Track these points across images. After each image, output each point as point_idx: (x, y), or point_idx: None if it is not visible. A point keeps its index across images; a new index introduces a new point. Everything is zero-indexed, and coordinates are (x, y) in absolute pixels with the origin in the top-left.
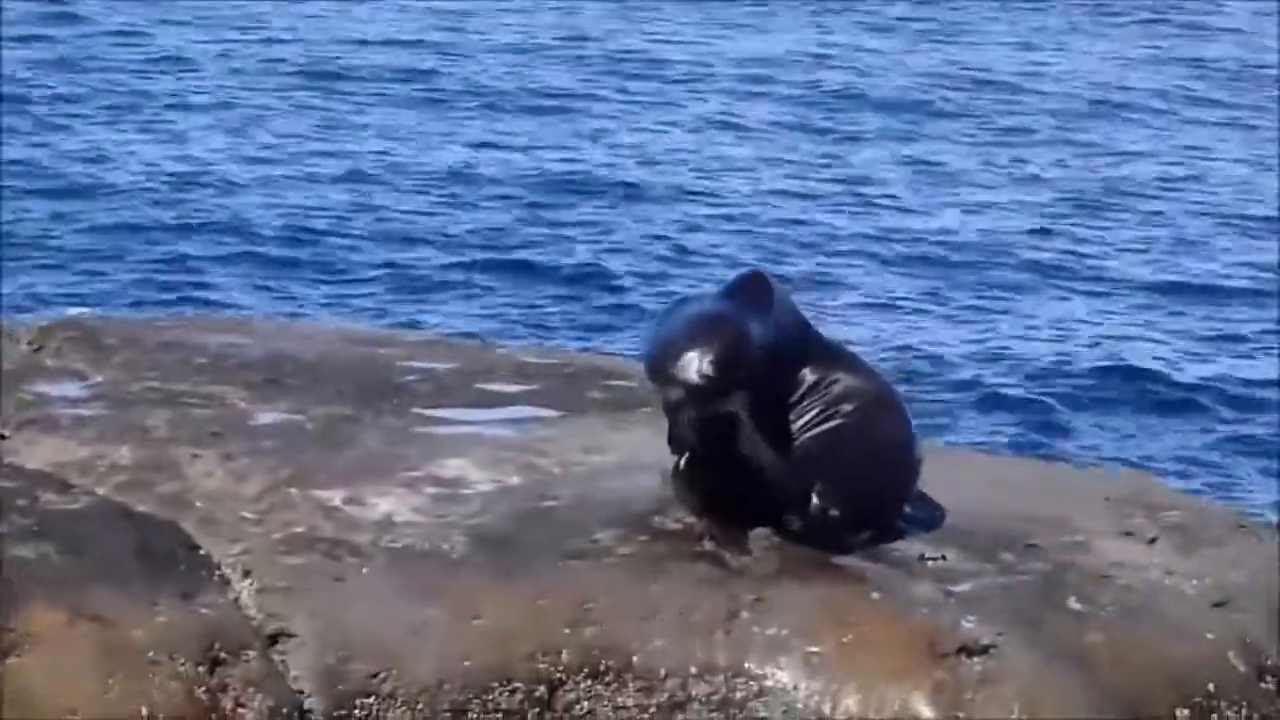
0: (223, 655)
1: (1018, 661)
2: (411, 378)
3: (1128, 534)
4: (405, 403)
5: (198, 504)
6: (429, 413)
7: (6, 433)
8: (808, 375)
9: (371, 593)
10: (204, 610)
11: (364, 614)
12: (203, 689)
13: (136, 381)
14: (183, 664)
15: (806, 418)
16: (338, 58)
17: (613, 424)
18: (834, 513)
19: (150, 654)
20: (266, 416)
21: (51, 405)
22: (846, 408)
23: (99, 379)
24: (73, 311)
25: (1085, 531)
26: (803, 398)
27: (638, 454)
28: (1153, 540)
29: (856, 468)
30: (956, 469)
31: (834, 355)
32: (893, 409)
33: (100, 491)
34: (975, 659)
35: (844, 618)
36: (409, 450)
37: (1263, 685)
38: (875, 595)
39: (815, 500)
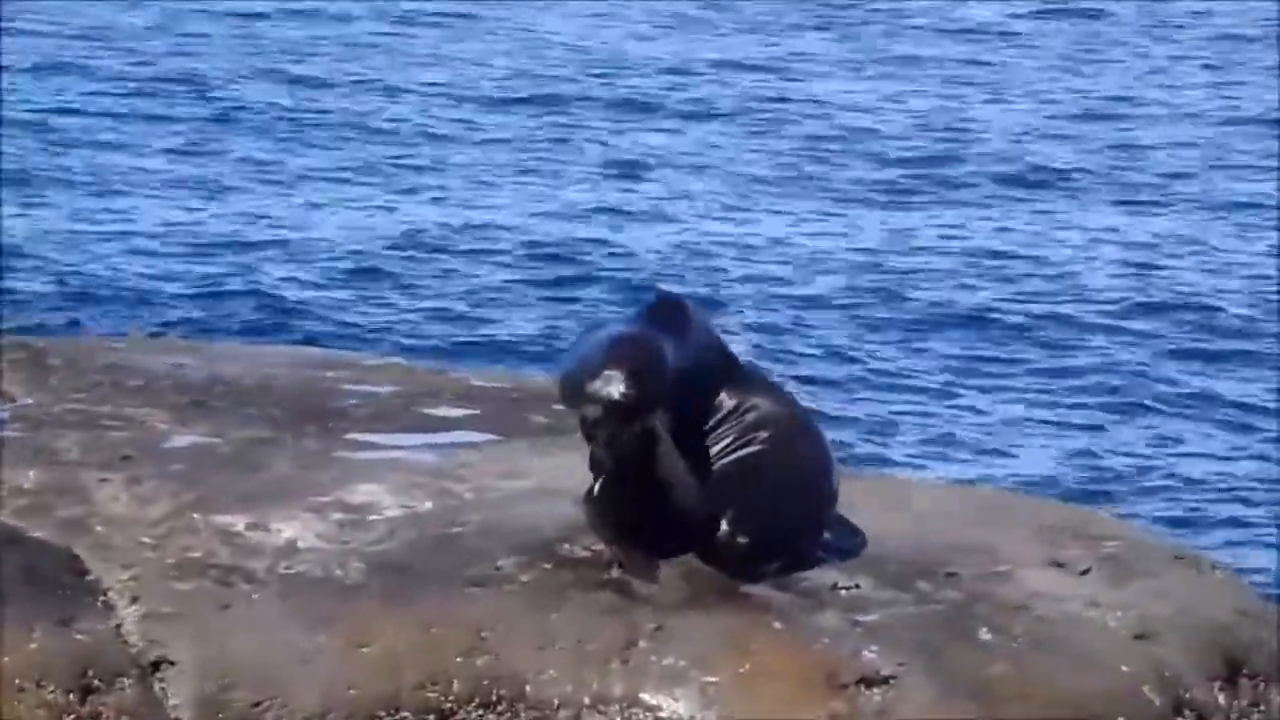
0: (96, 683)
1: (917, 693)
2: (351, 401)
3: (1058, 564)
4: (337, 427)
5: (97, 528)
6: (357, 437)
7: None
8: (725, 400)
9: (259, 619)
10: (81, 636)
11: (249, 641)
12: (72, 716)
13: (61, 403)
14: (52, 691)
15: (723, 443)
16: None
17: (539, 449)
18: (742, 540)
19: (17, 680)
20: (182, 440)
21: None
22: (762, 434)
23: (28, 401)
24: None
25: (1011, 561)
26: (719, 423)
27: (558, 479)
28: (1084, 571)
29: (768, 495)
30: (887, 496)
31: (752, 381)
32: (809, 436)
33: None
34: (874, 690)
35: (744, 647)
36: (322, 475)
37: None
38: (777, 625)
39: (725, 527)
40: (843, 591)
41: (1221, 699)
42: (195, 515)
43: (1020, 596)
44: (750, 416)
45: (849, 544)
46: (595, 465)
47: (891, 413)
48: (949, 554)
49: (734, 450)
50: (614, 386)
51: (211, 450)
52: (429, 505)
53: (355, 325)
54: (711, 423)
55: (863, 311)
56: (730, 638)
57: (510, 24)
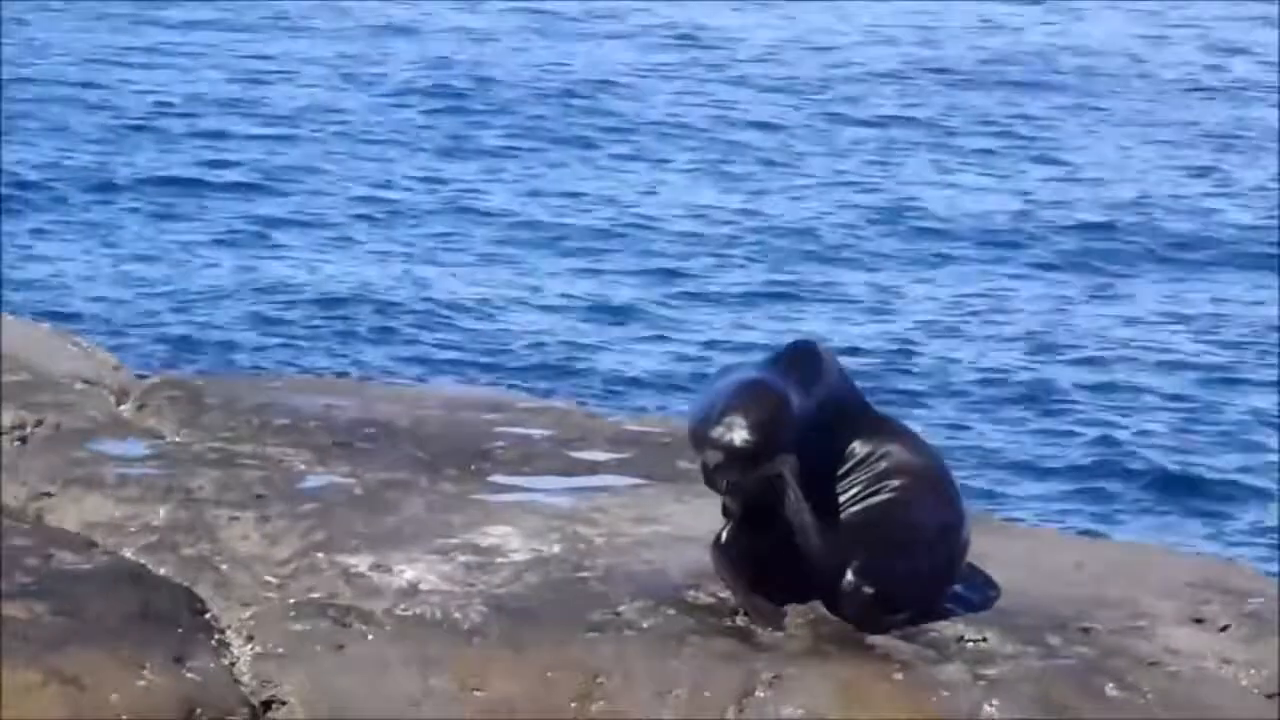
0: None
1: None
2: (500, 444)
3: (1197, 620)
4: (480, 469)
5: (222, 566)
6: (499, 479)
7: (53, 490)
8: (857, 448)
9: (372, 661)
10: (191, 675)
11: (360, 682)
12: None
13: (203, 442)
14: None
15: (852, 491)
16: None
17: (679, 494)
18: (868, 590)
19: (123, 718)
20: (317, 480)
21: (105, 464)
22: (893, 483)
23: (175, 439)
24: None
25: (1149, 616)
26: (850, 471)
27: (692, 525)
28: (1224, 628)
29: (895, 545)
30: (1022, 548)
31: (885, 429)
32: (941, 487)
33: (125, 552)
34: None
35: (862, 698)
36: (453, 517)
37: None
38: (898, 676)
39: (850, 576)
40: (969, 644)
41: None
42: (320, 555)
43: (1154, 652)
44: (882, 464)
45: (980, 596)
46: (726, 511)
47: (1031, 464)
48: (1084, 607)
49: (864, 498)
50: (735, 433)
51: (345, 490)
52: (556, 549)
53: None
54: (842, 470)
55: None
56: (848, 688)
57: None
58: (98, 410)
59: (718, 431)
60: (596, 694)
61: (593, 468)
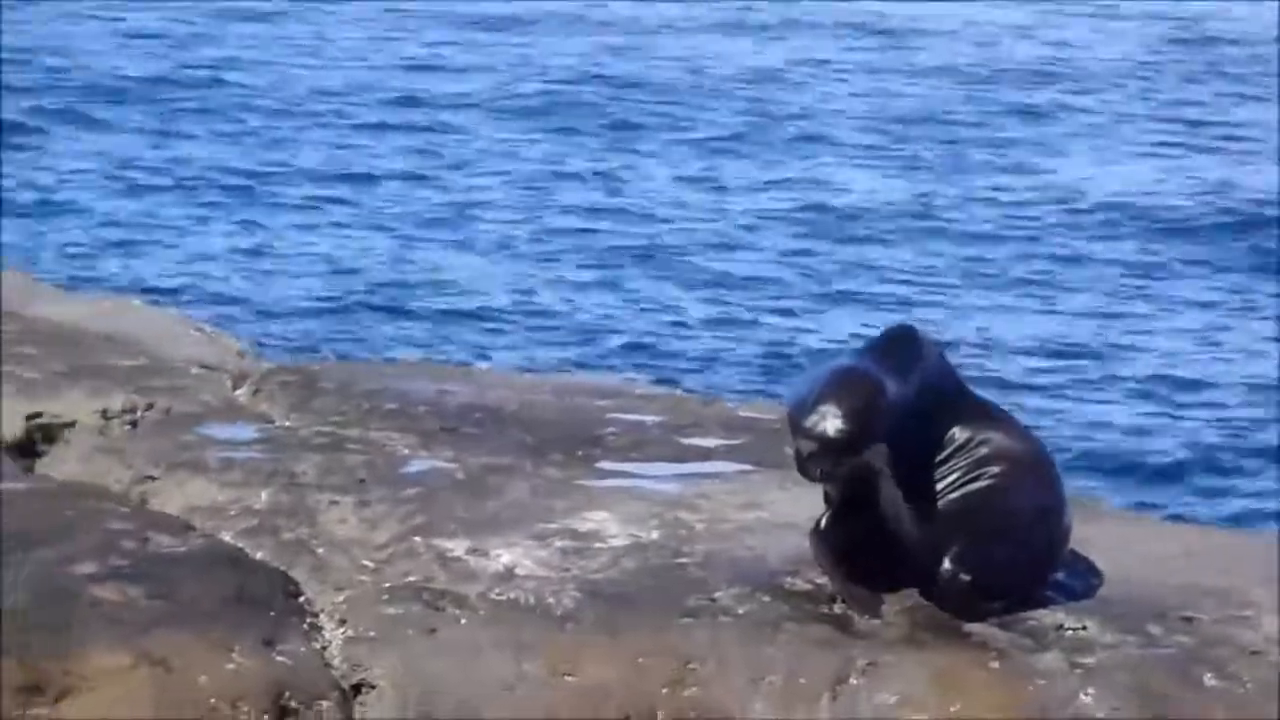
0: (293, 704)
1: None
2: (611, 430)
3: None
4: (589, 455)
5: (319, 550)
6: (606, 465)
7: (156, 474)
8: (957, 434)
9: (464, 645)
10: (282, 658)
11: (451, 666)
12: None
13: (311, 426)
14: (245, 712)
15: (951, 478)
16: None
17: (783, 480)
18: (965, 577)
19: (212, 700)
20: (421, 465)
21: (210, 448)
22: (993, 470)
23: (285, 423)
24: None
25: (1254, 605)
26: (949, 457)
27: (796, 512)
28: None
29: (993, 533)
30: (1125, 535)
31: (986, 415)
32: (1041, 473)
33: (224, 535)
34: None
35: (956, 686)
36: (555, 502)
37: None
38: (994, 664)
39: (947, 564)
40: (1069, 633)
41: None
42: (417, 539)
43: (1256, 642)
44: (981, 451)
45: (1081, 584)
46: (827, 498)
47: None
48: (1187, 596)
49: (962, 485)
50: (829, 423)
51: (448, 475)
52: (656, 535)
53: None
54: (941, 457)
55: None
56: (943, 676)
57: None
58: (211, 395)
59: (811, 420)
60: (689, 680)
61: (704, 454)
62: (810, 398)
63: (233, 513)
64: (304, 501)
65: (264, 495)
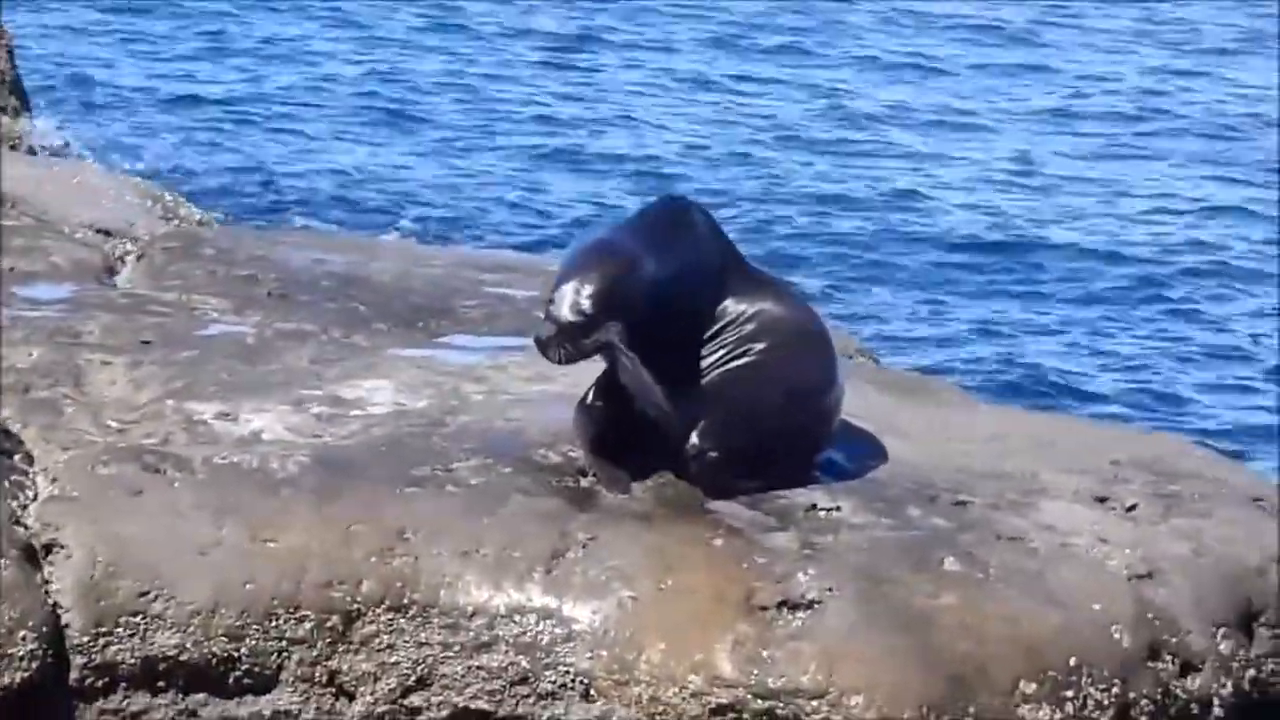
0: None
1: (836, 619)
2: (472, 302)
3: (1100, 499)
4: (429, 326)
5: (68, 410)
6: (439, 338)
7: None
8: (730, 307)
9: (166, 508)
10: None
11: (147, 529)
12: None
13: (149, 290)
14: None
15: (718, 354)
16: None
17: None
18: (712, 454)
19: None
20: (216, 329)
21: (13, 306)
22: (758, 345)
23: (126, 286)
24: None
25: (1041, 492)
26: (719, 331)
27: (586, 385)
28: (1131, 507)
29: (744, 408)
30: (943, 417)
31: (759, 287)
32: (811, 347)
33: None
34: (795, 614)
35: (671, 563)
36: (331, 370)
37: (1156, 664)
38: (717, 542)
39: (694, 439)
40: (822, 513)
41: (1223, 646)
42: (170, 402)
43: (1021, 528)
44: (750, 326)
45: (856, 465)
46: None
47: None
48: (973, 480)
49: (727, 361)
50: (564, 307)
51: (237, 340)
52: (423, 404)
53: None
54: (712, 331)
55: None
56: (660, 552)
57: None
58: (70, 257)
59: (551, 304)
60: (399, 550)
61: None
62: (558, 276)
63: None
64: (72, 360)
65: (34, 354)
